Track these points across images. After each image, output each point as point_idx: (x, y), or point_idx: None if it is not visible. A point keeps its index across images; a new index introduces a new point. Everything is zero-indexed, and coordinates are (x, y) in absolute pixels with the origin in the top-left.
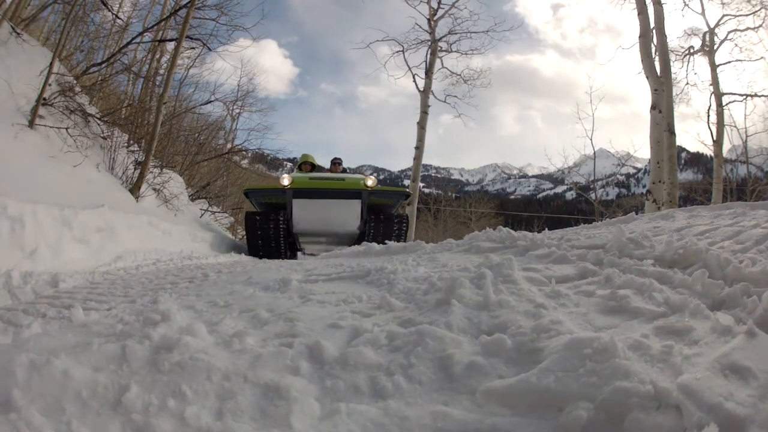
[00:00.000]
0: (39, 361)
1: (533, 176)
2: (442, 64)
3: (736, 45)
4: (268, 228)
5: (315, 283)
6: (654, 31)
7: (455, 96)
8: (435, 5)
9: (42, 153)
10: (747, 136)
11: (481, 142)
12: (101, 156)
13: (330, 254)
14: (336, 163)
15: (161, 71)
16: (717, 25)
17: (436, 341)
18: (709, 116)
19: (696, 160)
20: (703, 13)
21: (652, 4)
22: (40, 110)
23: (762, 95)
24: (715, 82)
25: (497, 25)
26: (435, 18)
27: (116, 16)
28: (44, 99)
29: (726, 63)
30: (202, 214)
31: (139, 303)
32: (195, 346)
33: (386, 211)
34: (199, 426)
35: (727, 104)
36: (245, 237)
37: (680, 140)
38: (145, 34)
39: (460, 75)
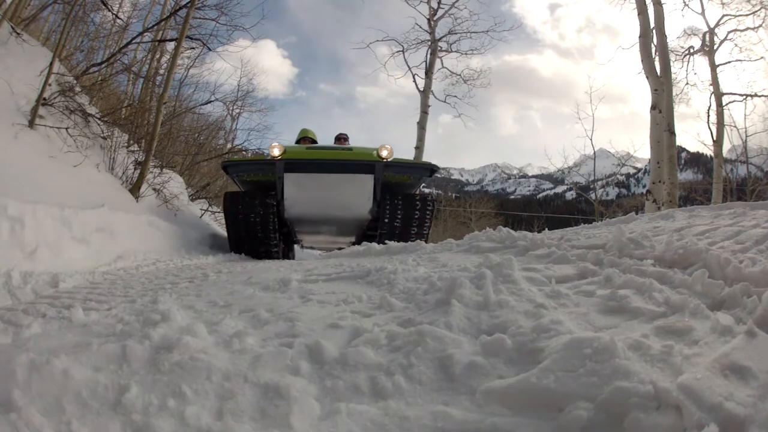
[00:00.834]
0: (39, 361)
1: (533, 176)
2: (442, 64)
3: (736, 45)
4: (254, 213)
5: (315, 283)
6: (654, 31)
7: (455, 96)
8: (435, 5)
9: (42, 153)
10: (747, 136)
11: (481, 142)
12: (101, 156)
13: (329, 254)
14: (342, 138)
15: (161, 71)
16: (717, 25)
17: (436, 341)
18: (709, 116)
19: (696, 160)
20: (703, 13)
21: (652, 4)
22: (40, 110)
23: (762, 95)
24: (715, 82)
25: (497, 25)
26: (435, 18)
27: (116, 16)
28: (44, 99)
29: (726, 63)
30: (202, 214)
31: (139, 303)
32: (195, 346)
33: (405, 191)
34: (199, 426)
35: (727, 104)
36: (225, 227)
37: (680, 140)
38: (145, 34)
39: (459, 75)
